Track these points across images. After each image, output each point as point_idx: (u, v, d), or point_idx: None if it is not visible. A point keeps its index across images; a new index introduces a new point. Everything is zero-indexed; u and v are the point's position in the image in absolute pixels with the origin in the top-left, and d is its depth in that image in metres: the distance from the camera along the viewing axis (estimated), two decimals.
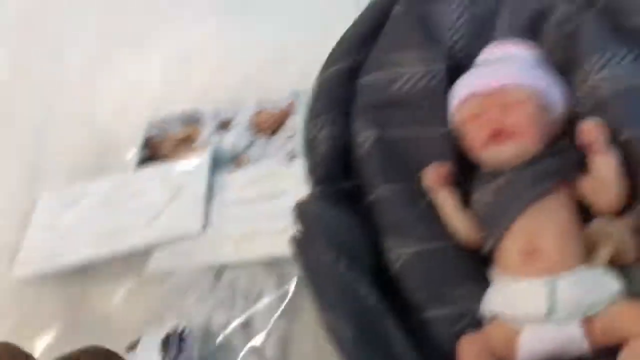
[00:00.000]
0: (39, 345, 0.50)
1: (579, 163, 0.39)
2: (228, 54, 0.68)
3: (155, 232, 0.53)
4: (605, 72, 0.40)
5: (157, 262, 0.52)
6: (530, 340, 0.35)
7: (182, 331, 0.45)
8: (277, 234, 0.48)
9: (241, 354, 0.45)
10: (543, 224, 0.37)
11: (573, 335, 0.35)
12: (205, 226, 0.52)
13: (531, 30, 0.46)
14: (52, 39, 0.77)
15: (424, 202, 0.43)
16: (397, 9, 0.46)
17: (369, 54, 0.47)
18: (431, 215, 0.42)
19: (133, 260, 0.53)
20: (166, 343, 0.44)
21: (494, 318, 0.37)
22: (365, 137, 0.44)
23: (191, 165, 0.57)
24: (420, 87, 0.44)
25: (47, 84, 0.72)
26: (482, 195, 0.41)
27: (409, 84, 0.44)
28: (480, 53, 0.45)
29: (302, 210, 0.41)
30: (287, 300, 0.47)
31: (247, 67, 0.65)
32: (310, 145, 0.45)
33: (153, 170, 0.59)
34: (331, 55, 0.48)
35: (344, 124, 0.46)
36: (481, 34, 0.46)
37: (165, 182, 0.57)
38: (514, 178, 0.39)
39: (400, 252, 0.41)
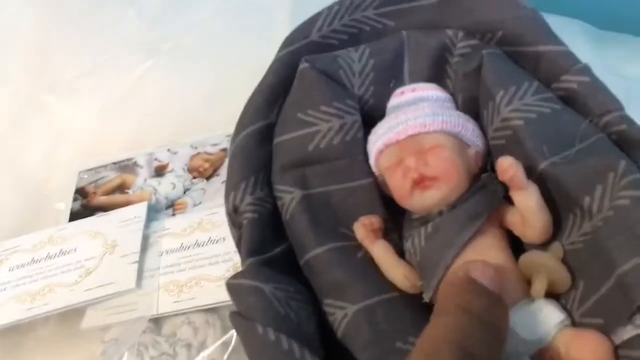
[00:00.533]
0: None
1: (504, 194, 0.40)
2: (161, 98, 0.67)
3: (87, 290, 0.51)
4: (513, 104, 0.41)
5: (91, 319, 0.50)
6: None
7: None
8: (217, 281, 0.48)
9: None
10: None
11: None
12: (140, 281, 0.50)
13: (436, 72, 0.46)
14: None
15: (359, 256, 0.42)
16: (302, 65, 0.45)
17: (279, 114, 0.46)
18: (368, 269, 0.42)
19: (67, 318, 0.51)
20: None
21: None
22: (289, 198, 0.43)
23: (125, 217, 0.56)
24: (337, 142, 0.43)
25: None
26: (414, 243, 0.40)
27: (325, 140, 0.43)
28: (391, 98, 0.46)
29: (235, 290, 0.40)
30: (230, 349, 0.46)
31: (181, 111, 0.64)
32: (233, 217, 0.43)
33: (85, 224, 0.57)
34: (240, 120, 0.46)
35: (265, 189, 0.44)
36: (389, 80, 0.46)
37: (98, 237, 0.55)
38: (442, 223, 0.39)
39: (343, 313, 0.40)
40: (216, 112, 0.61)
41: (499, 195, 0.40)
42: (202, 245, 0.52)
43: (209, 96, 0.64)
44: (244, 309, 0.38)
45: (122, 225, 0.55)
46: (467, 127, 0.42)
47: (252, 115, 0.46)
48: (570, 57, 0.43)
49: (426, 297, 0.39)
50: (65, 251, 0.55)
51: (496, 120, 0.41)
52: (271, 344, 0.36)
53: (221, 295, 0.45)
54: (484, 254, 0.38)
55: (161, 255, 0.52)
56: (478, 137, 0.43)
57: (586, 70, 0.42)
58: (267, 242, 0.43)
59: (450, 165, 0.40)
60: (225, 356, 0.46)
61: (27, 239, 0.57)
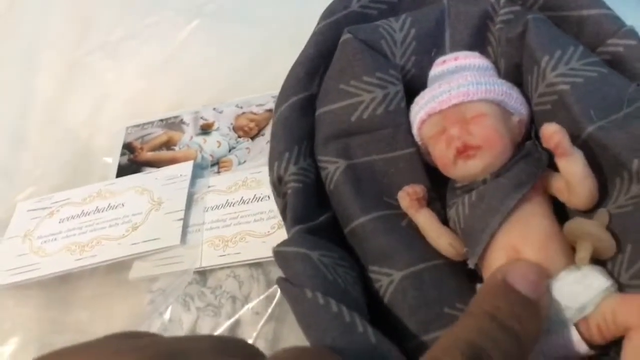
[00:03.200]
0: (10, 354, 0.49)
1: (549, 162, 0.40)
2: (205, 59, 0.67)
3: (133, 244, 0.52)
4: (559, 69, 0.40)
5: (139, 271, 0.51)
6: None
7: None
8: (262, 237, 0.50)
9: None
10: (524, 233, 0.38)
11: (570, 340, 0.35)
12: (184, 237, 0.52)
13: (477, 40, 0.46)
14: (25, 43, 0.75)
15: (403, 225, 0.43)
16: (344, 36, 0.46)
17: (322, 85, 0.47)
18: (413, 237, 0.42)
19: (114, 269, 0.52)
20: None
21: None
22: (333, 168, 0.44)
23: (171, 175, 0.57)
24: (380, 112, 0.44)
25: (19, 89, 0.71)
26: (458, 211, 0.41)
27: (368, 110, 0.44)
28: (432, 67, 0.46)
29: (282, 257, 0.41)
30: (274, 303, 0.47)
31: (228, 71, 0.65)
32: (278, 187, 0.44)
33: (132, 180, 0.58)
34: (282, 91, 0.47)
35: (308, 159, 0.45)
36: (430, 49, 0.46)
37: (144, 193, 0.56)
38: (487, 191, 0.40)
39: (389, 279, 0.41)
40: (260, 74, 0.62)
41: (543, 162, 0.40)
42: (247, 202, 0.53)
43: (253, 58, 0.64)
44: (292, 275, 0.39)
45: (168, 183, 0.56)
46: (510, 95, 0.42)
47: (294, 87, 0.47)
48: (615, 21, 0.42)
49: (471, 264, 0.39)
50: (114, 205, 0.56)
51: (541, 85, 0.41)
52: (321, 307, 0.37)
53: (266, 251, 0.46)
54: (528, 221, 0.38)
55: (206, 211, 0.53)
56: (521, 104, 0.43)
57: (632, 33, 0.41)
58: (311, 211, 0.44)
59: (494, 134, 0.40)
60: (269, 309, 0.47)
61: (76, 192, 0.58)
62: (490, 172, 0.40)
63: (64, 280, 0.53)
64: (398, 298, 0.41)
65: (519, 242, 0.37)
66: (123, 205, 0.56)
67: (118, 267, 0.52)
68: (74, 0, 0.77)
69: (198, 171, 0.57)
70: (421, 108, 0.43)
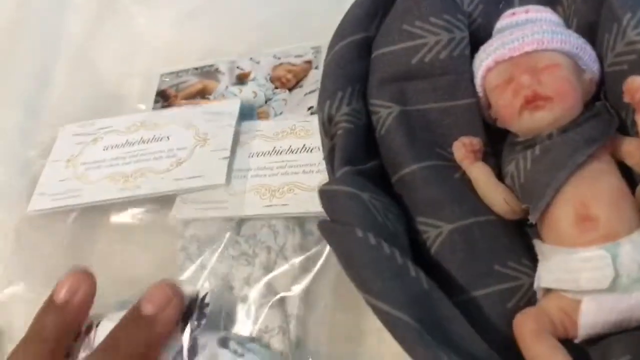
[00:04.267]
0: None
1: (618, 124, 0.38)
2: (245, 6, 0.64)
3: (177, 179, 0.50)
4: None
5: (179, 210, 0.49)
6: (593, 311, 0.34)
7: (203, 298, 0.42)
8: (311, 191, 0.46)
9: (265, 311, 0.43)
10: (593, 190, 0.36)
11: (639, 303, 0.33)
12: (230, 178, 0.49)
13: None
14: None
15: (455, 177, 0.41)
16: None
17: (381, 26, 0.44)
18: (465, 190, 0.40)
19: (154, 205, 0.50)
20: (188, 311, 0.41)
21: (549, 292, 0.36)
22: (386, 113, 0.42)
23: (218, 111, 0.54)
24: (444, 57, 0.41)
25: (49, 30, 0.67)
26: (518, 166, 0.39)
27: (431, 54, 0.41)
28: (500, 19, 0.43)
29: (330, 196, 0.38)
30: (308, 256, 0.45)
31: (265, 20, 0.62)
32: (327, 127, 0.42)
33: (177, 113, 0.56)
34: (339, 29, 0.45)
35: (360, 102, 0.43)
36: (499, 1, 0.45)
37: (190, 128, 0.53)
38: (553, 146, 0.37)
39: (437, 231, 0.39)
40: (299, 25, 0.59)
41: (615, 122, 0.38)
42: (296, 152, 0.49)
43: (292, 9, 0.61)
44: (341, 213, 0.37)
45: (214, 119, 0.53)
46: (585, 50, 0.40)
47: (351, 27, 0.44)
48: None
49: (532, 219, 0.37)
50: (158, 138, 0.54)
51: (620, 44, 0.39)
52: (372, 248, 0.35)
53: (314, 206, 0.42)
54: (598, 178, 0.36)
55: (251, 156, 0.50)
56: (594, 61, 0.41)
57: None
58: (361, 154, 0.41)
59: (566, 86, 0.38)
60: (304, 262, 0.44)
61: (119, 120, 0.56)
62: (557, 127, 0.38)
63: (103, 210, 0.51)
64: (445, 251, 0.38)
65: (589, 197, 0.35)
66: (168, 138, 0.53)
67: (158, 203, 0.50)
68: None
69: (246, 110, 0.54)
70: (489, 55, 0.41)
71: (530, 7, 0.43)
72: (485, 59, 0.41)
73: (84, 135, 0.56)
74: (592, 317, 0.34)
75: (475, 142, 0.41)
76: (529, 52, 0.39)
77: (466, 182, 0.41)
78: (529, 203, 0.38)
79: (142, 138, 0.54)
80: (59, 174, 0.53)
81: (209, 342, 0.41)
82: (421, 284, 0.35)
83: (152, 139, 0.54)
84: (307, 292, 0.43)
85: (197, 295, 0.42)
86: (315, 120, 0.44)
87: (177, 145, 0.52)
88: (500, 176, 0.41)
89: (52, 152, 0.55)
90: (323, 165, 0.42)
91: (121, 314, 0.41)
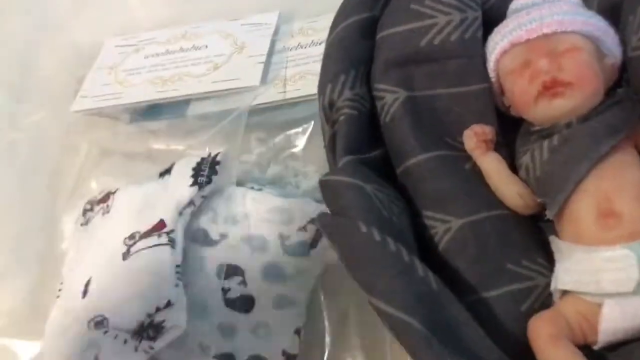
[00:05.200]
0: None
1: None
2: None
3: (214, 82, 0.54)
4: None
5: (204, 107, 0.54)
6: (616, 316, 0.31)
7: (216, 155, 0.47)
8: (312, 76, 0.51)
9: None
10: (616, 183, 0.33)
11: None
12: (264, 81, 0.53)
13: None
14: None
15: (465, 168, 0.38)
16: None
17: (387, 5, 0.41)
18: (476, 182, 0.38)
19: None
20: (199, 167, 0.46)
21: (567, 294, 0.33)
22: (392, 99, 0.39)
23: (258, 21, 0.59)
24: (455, 39, 0.39)
25: None
26: (534, 157, 0.36)
27: (441, 35, 0.39)
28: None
29: (331, 187, 0.35)
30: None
31: None
32: (328, 112, 0.39)
33: (217, 25, 0.60)
34: (342, 8, 0.42)
35: (364, 86, 0.40)
36: None
37: (228, 38, 0.58)
38: (573, 135, 0.35)
39: (446, 226, 0.36)
40: None
41: (637, 111, 0.36)
42: (305, 47, 0.56)
43: None
44: (343, 206, 0.34)
45: (252, 30, 0.58)
46: (608, 33, 0.37)
47: (355, 6, 0.42)
48: None
49: (550, 215, 0.34)
50: (197, 47, 0.58)
51: None
52: (376, 244, 0.32)
53: None
54: (621, 170, 0.34)
55: (281, 57, 0.55)
56: (617, 46, 0.38)
57: None
58: (364, 143, 0.39)
59: (588, 71, 0.35)
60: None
61: (162, 32, 0.61)
62: (577, 115, 0.35)
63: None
64: (455, 248, 0.36)
65: (613, 190, 0.33)
66: (207, 47, 0.58)
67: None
68: None
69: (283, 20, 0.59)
70: (504, 37, 0.38)
71: None
72: (499, 42, 0.38)
73: (126, 46, 0.61)
74: (614, 322, 0.31)
75: (488, 130, 0.38)
76: (547, 35, 0.36)
77: (477, 173, 0.38)
78: (545, 197, 0.35)
79: (181, 47, 0.59)
80: (102, 79, 0.58)
81: (225, 187, 0.46)
82: (429, 284, 0.32)
83: (191, 47, 0.58)
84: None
85: (209, 154, 0.47)
86: (321, 20, 0.45)
87: (214, 53, 0.57)
88: (513, 168, 0.38)
89: (96, 61, 0.60)
90: None
91: (134, 187, 0.47)
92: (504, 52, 0.38)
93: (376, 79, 0.40)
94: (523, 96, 0.37)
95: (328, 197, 0.36)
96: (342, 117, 0.38)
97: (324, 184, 0.36)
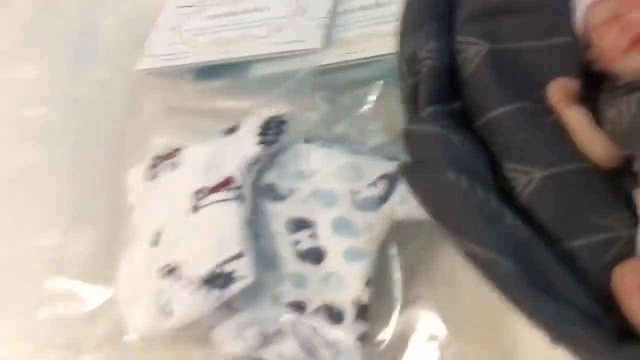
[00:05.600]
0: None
1: None
2: None
3: (276, 43, 0.56)
4: None
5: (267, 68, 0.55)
6: None
7: (282, 115, 0.48)
8: (387, 36, 0.49)
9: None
10: None
11: None
12: (326, 43, 0.54)
13: None
14: None
15: (548, 121, 0.38)
16: None
17: None
18: (558, 135, 0.38)
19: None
20: (266, 126, 0.47)
21: None
22: (475, 51, 0.39)
23: None
24: None
25: None
26: (621, 110, 0.36)
27: None
28: None
29: (416, 136, 0.36)
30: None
31: None
32: (410, 63, 0.39)
33: None
34: None
35: (446, 38, 0.40)
36: None
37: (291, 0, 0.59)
38: None
39: (527, 178, 0.36)
40: None
41: None
42: (367, 8, 0.56)
43: None
44: (429, 155, 0.35)
45: None
46: None
47: None
48: None
49: (638, 166, 0.34)
50: (259, 8, 0.59)
51: None
52: (466, 191, 0.33)
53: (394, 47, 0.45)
54: None
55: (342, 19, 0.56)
56: None
57: None
58: (446, 94, 0.39)
59: None
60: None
61: None
62: None
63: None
64: (536, 200, 0.36)
65: None
66: (269, 9, 0.59)
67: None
68: None
69: None
70: None
71: None
72: None
73: (187, 7, 0.62)
74: None
75: (573, 84, 0.38)
76: None
77: (559, 127, 0.38)
78: (632, 149, 0.35)
79: (244, 9, 0.60)
80: (165, 39, 0.60)
81: (292, 144, 0.48)
82: (520, 231, 0.33)
83: (254, 9, 0.60)
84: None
85: (275, 114, 0.48)
86: None
87: (277, 15, 0.58)
88: (595, 123, 0.38)
89: (158, 21, 0.62)
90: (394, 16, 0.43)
91: (201, 144, 0.49)
92: (593, 4, 0.38)
93: (459, 31, 0.41)
94: (612, 50, 0.36)
95: (412, 146, 0.36)
96: (424, 69, 0.39)
97: (407, 134, 0.36)
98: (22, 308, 0.49)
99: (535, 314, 0.29)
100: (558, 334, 0.29)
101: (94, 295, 0.48)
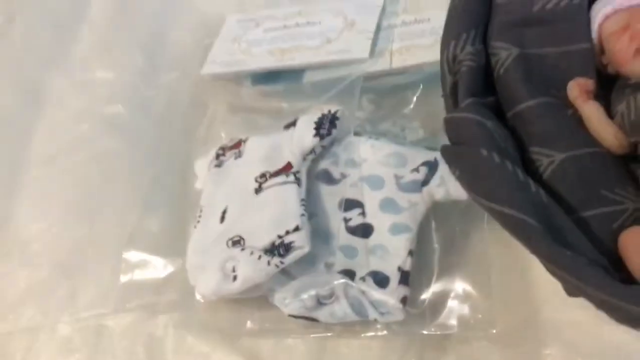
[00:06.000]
0: None
1: None
2: None
3: (327, 53, 0.62)
4: None
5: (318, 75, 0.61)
6: None
7: (335, 112, 0.54)
8: (426, 47, 0.58)
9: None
10: None
11: None
12: (372, 53, 0.60)
13: None
14: None
15: (568, 113, 0.45)
16: None
17: None
18: (577, 125, 0.44)
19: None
20: (320, 121, 0.53)
21: None
22: (506, 54, 0.46)
23: (366, 2, 0.66)
24: (564, 5, 0.46)
25: None
26: (629, 105, 0.42)
27: (551, 2, 0.46)
28: None
29: (456, 122, 0.43)
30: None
31: None
32: (451, 64, 0.47)
33: (329, 4, 0.68)
34: None
35: (481, 43, 0.47)
36: None
37: (339, 15, 0.65)
38: None
39: (550, 160, 0.43)
40: None
41: None
42: (409, 24, 0.62)
43: None
44: (466, 137, 0.42)
45: (361, 8, 0.65)
46: None
47: None
48: None
49: None
50: (311, 23, 0.66)
51: None
52: (496, 164, 0.40)
53: (431, 57, 0.53)
54: None
55: (388, 34, 0.62)
56: None
57: None
58: (481, 90, 0.46)
59: None
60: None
61: (279, 11, 0.69)
62: None
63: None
64: (557, 176, 0.43)
65: None
66: (320, 23, 0.65)
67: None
68: None
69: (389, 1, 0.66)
70: (608, 2, 0.45)
71: None
72: (603, 7, 0.45)
73: (246, 21, 0.69)
74: None
75: (589, 82, 0.45)
76: None
77: (577, 119, 0.45)
78: (638, 137, 0.42)
79: (297, 23, 0.66)
80: (227, 49, 0.67)
81: (345, 137, 0.54)
82: (541, 197, 0.39)
83: (306, 24, 0.66)
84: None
85: (329, 111, 0.54)
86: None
87: (327, 29, 0.64)
88: (609, 116, 0.44)
89: (221, 33, 0.68)
90: (434, 29, 0.52)
91: (263, 136, 0.55)
92: (607, 17, 0.45)
93: (492, 38, 0.48)
94: (622, 54, 0.43)
95: (452, 131, 0.43)
96: (463, 68, 0.46)
97: (448, 120, 0.44)
98: (103, 276, 0.56)
99: (555, 259, 0.36)
100: (574, 273, 0.35)
101: (165, 265, 0.55)
